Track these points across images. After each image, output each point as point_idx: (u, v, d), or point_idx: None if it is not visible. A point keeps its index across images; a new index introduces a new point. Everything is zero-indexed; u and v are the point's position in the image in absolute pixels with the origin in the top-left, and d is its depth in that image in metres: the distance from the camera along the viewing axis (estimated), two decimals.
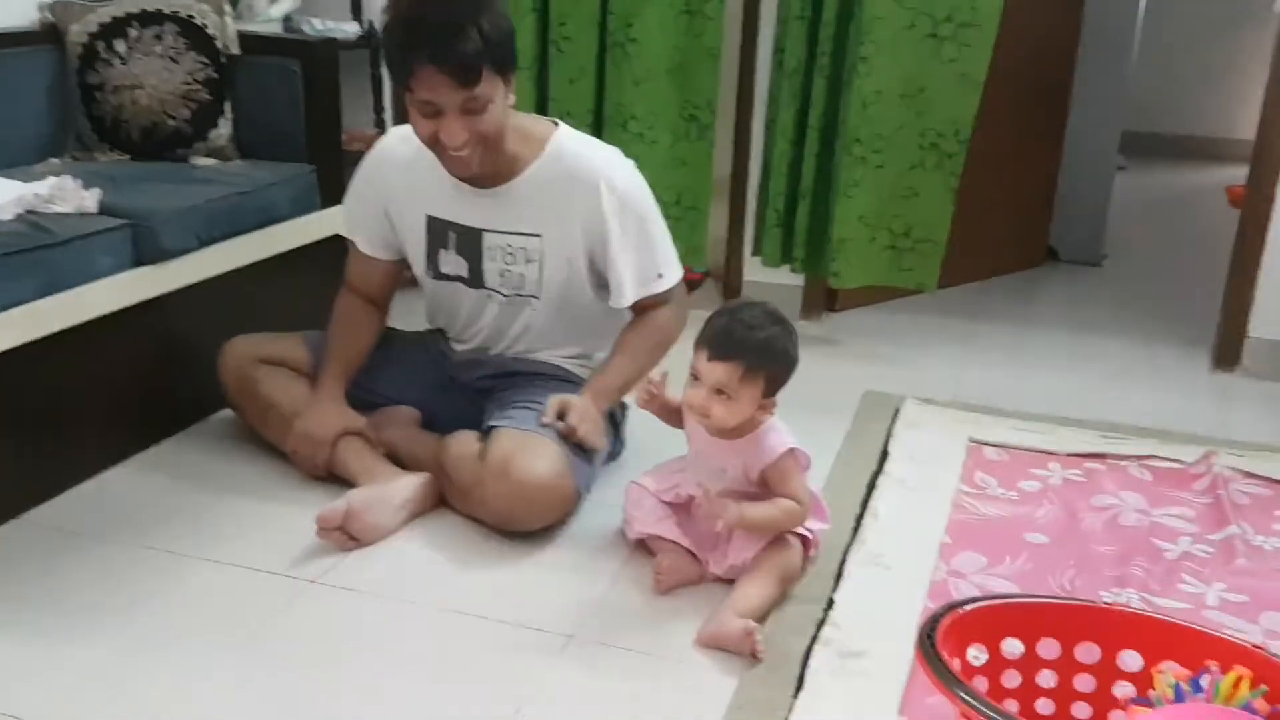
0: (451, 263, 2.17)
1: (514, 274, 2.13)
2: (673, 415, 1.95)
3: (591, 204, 2.05)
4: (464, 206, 2.11)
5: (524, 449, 1.97)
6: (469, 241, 2.14)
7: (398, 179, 2.15)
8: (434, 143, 1.95)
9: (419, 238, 2.19)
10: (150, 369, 2.35)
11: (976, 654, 1.43)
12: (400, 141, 2.13)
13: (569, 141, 2.09)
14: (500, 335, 2.22)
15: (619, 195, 2.06)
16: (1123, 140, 4.07)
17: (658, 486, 1.97)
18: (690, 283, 2.58)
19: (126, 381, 2.29)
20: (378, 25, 3.29)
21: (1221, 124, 6.05)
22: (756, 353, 1.77)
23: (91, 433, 2.22)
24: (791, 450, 1.83)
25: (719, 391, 1.78)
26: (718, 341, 1.78)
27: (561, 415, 2.03)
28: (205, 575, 1.89)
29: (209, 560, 1.93)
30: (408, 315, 2.41)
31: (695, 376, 1.81)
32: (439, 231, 2.16)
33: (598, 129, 3.13)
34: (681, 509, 1.95)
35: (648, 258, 2.12)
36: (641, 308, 2.17)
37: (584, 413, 2.04)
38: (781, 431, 1.85)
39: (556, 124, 2.12)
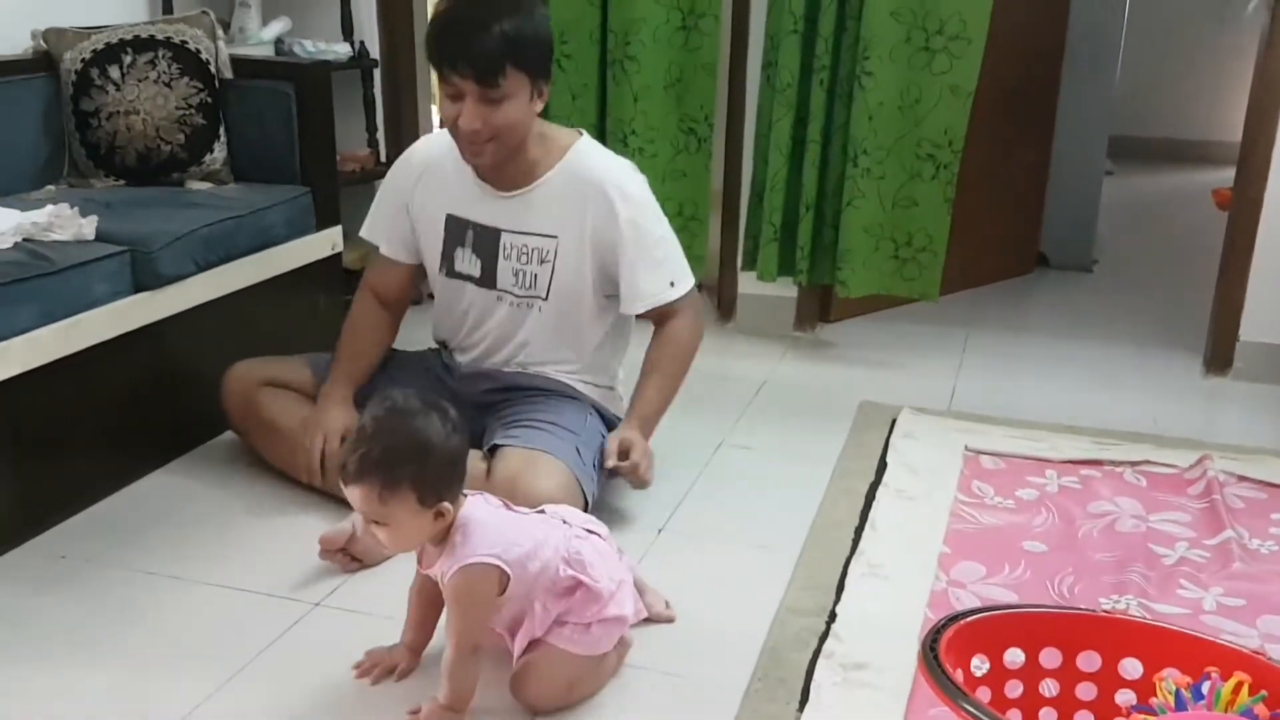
0: (466, 261, 2.21)
1: (527, 274, 2.16)
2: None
3: (605, 212, 2.10)
4: (484, 207, 2.16)
5: (530, 466, 1.98)
6: (486, 241, 2.18)
7: (422, 175, 2.22)
8: (453, 127, 2.02)
9: (436, 235, 2.23)
10: (150, 394, 2.35)
11: (979, 664, 1.45)
12: (428, 143, 2.26)
13: (588, 150, 2.17)
14: (502, 343, 2.24)
15: (632, 205, 2.12)
16: (1110, 145, 4.10)
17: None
18: None
19: (126, 407, 2.30)
20: (369, 46, 3.32)
21: (1207, 127, 6.08)
22: (382, 467, 1.48)
23: (92, 459, 2.23)
24: (465, 568, 1.51)
25: (374, 522, 1.52)
26: (343, 465, 1.50)
27: (624, 455, 2.07)
28: (208, 599, 1.90)
29: (212, 585, 1.94)
30: (412, 334, 2.43)
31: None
32: (457, 230, 2.20)
33: (601, 143, 3.16)
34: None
35: (659, 266, 2.16)
36: (658, 318, 2.20)
37: (645, 451, 2.10)
38: (478, 536, 1.52)
39: (581, 133, 2.20)
